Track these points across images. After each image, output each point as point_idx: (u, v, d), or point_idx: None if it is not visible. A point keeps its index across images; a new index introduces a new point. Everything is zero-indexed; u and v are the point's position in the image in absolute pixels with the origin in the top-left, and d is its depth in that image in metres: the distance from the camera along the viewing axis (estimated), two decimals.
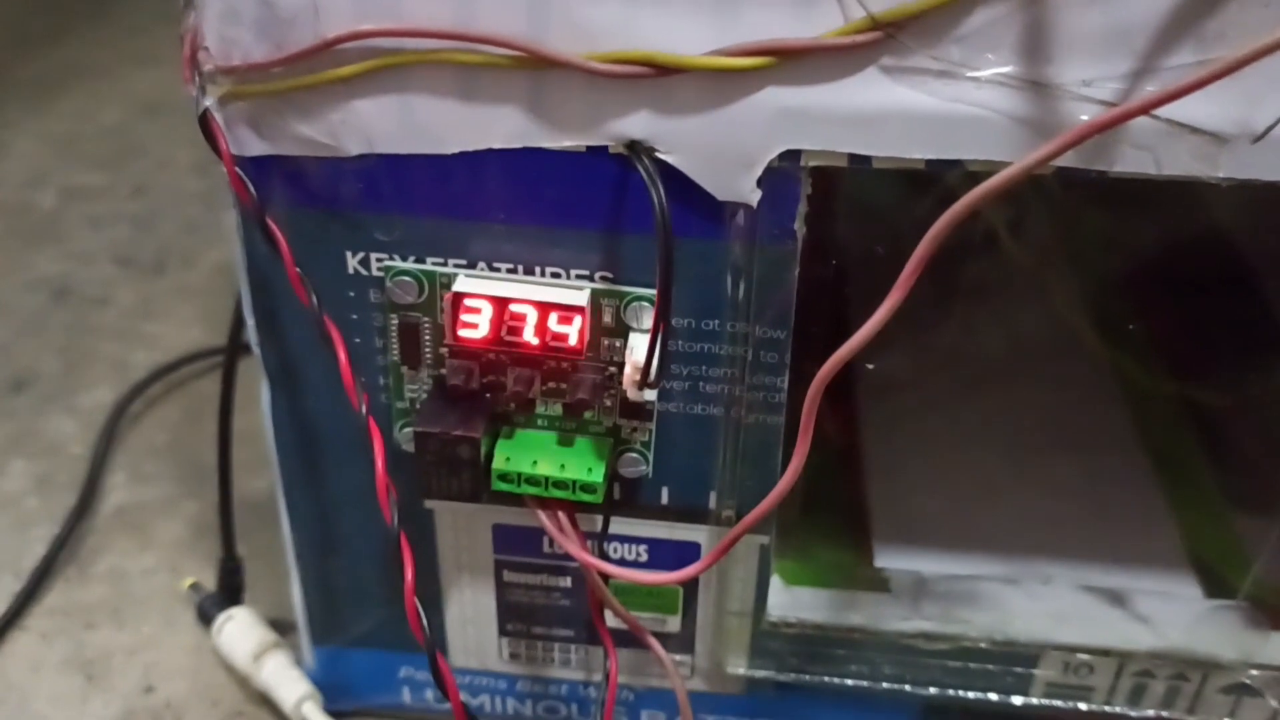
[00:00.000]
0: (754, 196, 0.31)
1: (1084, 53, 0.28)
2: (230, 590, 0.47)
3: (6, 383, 0.63)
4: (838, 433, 0.48)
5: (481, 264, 0.33)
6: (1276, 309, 0.48)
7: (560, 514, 0.37)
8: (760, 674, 0.41)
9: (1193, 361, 0.51)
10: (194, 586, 0.49)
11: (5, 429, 0.60)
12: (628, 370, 0.33)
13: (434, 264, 0.33)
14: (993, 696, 0.40)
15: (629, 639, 0.39)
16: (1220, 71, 0.25)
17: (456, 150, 0.31)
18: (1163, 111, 0.28)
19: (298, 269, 0.33)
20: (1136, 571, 0.42)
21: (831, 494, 0.45)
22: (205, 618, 0.47)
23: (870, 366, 0.44)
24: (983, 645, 0.40)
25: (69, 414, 0.61)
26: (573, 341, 0.33)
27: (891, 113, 0.29)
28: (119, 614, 0.50)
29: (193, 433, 0.60)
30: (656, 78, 0.29)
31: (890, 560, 0.43)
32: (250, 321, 0.36)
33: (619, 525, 0.38)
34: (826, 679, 0.41)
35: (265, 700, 0.45)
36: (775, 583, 0.40)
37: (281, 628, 0.46)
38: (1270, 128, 0.28)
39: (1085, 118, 0.28)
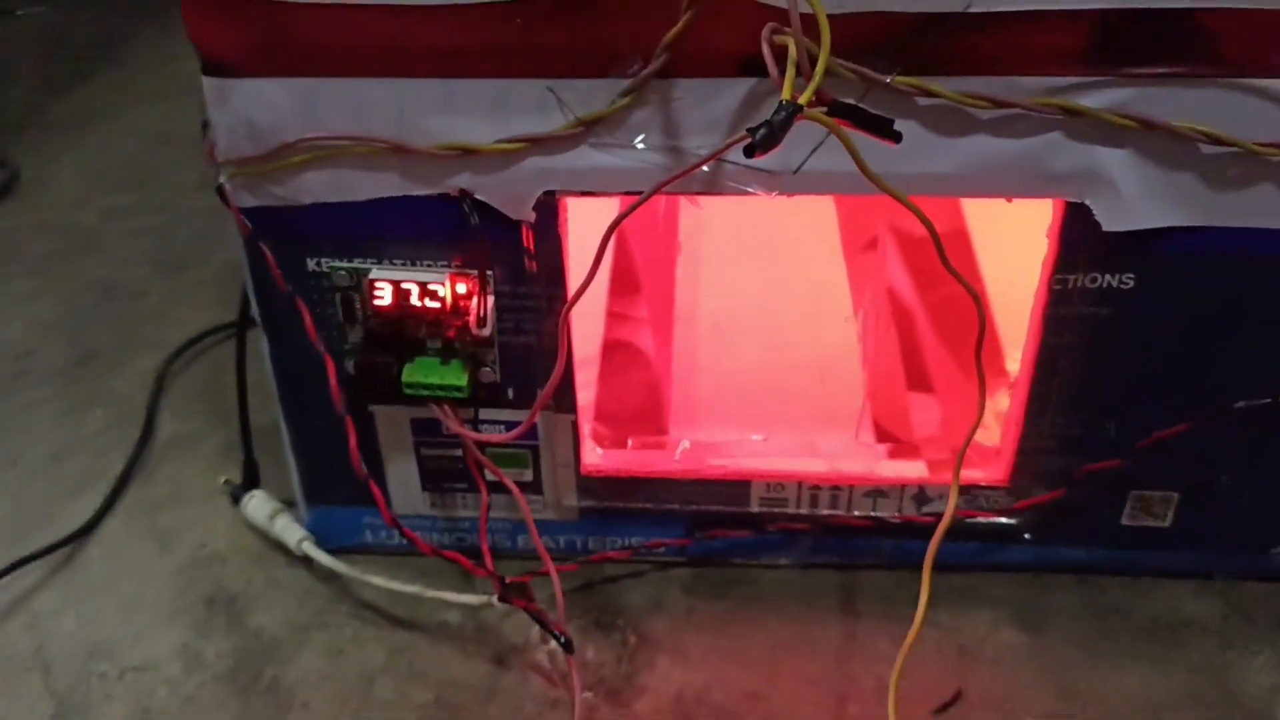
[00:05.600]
0: (531, 216, 0.55)
1: (693, 130, 0.52)
2: (251, 479, 0.72)
3: (79, 357, 0.87)
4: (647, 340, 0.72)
5: (385, 261, 0.57)
6: None
7: (448, 408, 0.61)
8: (585, 504, 0.65)
9: None
10: (227, 481, 0.73)
11: (84, 389, 0.84)
12: (473, 318, 0.57)
13: (358, 263, 0.57)
14: (727, 508, 0.65)
15: (503, 488, 0.63)
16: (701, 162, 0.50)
17: (365, 198, 0.55)
18: (736, 159, 0.52)
19: (279, 270, 0.57)
20: (825, 425, 0.67)
21: (636, 384, 0.70)
22: (235, 499, 0.72)
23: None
24: (722, 478, 0.64)
25: (127, 376, 0.85)
26: (441, 303, 0.57)
27: (597, 168, 0.53)
28: (178, 501, 0.74)
29: (218, 384, 0.84)
30: (468, 157, 0.53)
31: (679, 431, 0.67)
32: (254, 303, 0.60)
33: (485, 414, 0.62)
34: (628, 505, 0.65)
35: (279, 545, 0.69)
36: (589, 445, 0.65)
37: (286, 503, 0.70)
38: (801, 164, 0.52)
39: (704, 168, 0.52)
